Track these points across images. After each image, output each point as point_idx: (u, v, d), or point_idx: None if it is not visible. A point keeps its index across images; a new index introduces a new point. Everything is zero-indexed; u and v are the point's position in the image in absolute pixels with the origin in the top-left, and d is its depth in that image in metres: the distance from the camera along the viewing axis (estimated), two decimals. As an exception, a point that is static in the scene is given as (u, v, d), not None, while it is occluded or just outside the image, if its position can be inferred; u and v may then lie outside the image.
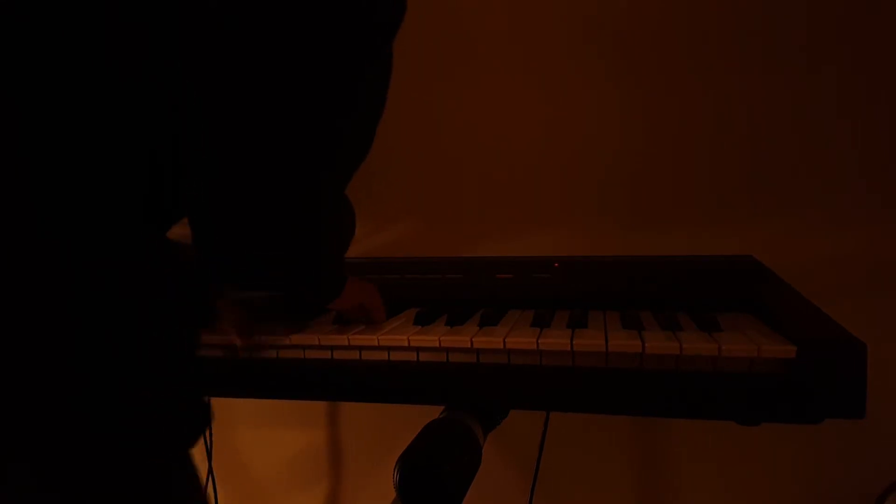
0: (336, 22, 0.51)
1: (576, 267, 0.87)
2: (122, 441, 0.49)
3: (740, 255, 0.85)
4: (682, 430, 1.13)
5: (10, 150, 0.47)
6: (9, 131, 0.47)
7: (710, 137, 1.07)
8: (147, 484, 0.51)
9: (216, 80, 0.51)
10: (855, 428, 0.66)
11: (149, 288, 0.52)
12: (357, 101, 0.57)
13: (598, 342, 0.62)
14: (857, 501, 1.07)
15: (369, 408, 1.23)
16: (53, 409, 0.46)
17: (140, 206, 0.53)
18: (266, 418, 1.38)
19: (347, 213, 0.75)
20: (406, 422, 0.75)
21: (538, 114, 1.14)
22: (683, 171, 1.09)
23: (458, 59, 1.17)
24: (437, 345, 0.67)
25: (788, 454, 1.09)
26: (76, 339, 0.47)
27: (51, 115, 0.48)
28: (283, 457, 1.39)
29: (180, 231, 0.58)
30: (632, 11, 1.08)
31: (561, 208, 1.15)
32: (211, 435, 1.17)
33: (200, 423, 0.56)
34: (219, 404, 0.57)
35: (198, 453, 0.56)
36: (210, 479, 1.19)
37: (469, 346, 0.66)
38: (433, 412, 0.75)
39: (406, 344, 0.68)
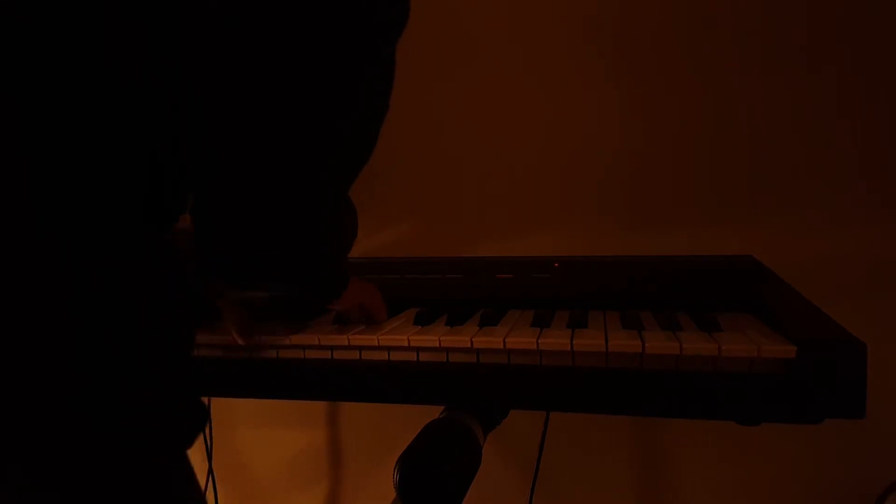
0: (336, 21, 0.51)
1: (576, 267, 0.87)
2: (121, 441, 0.49)
3: (740, 255, 0.85)
4: (682, 430, 1.13)
5: (10, 150, 0.47)
6: (9, 131, 0.47)
7: (710, 137, 1.07)
8: (147, 484, 0.51)
9: (216, 80, 0.51)
10: (855, 428, 0.66)
11: (149, 288, 0.52)
12: (357, 102, 0.57)
13: (598, 342, 0.62)
14: (857, 501, 1.07)
15: (369, 408, 1.23)
16: (53, 409, 0.46)
17: (140, 206, 0.53)
18: (266, 418, 1.38)
19: (349, 213, 0.75)
20: (406, 422, 0.75)
21: (538, 114, 1.14)
22: (683, 171, 1.09)
23: (458, 59, 1.17)
24: (437, 345, 0.67)
25: (788, 454, 1.09)
26: (76, 339, 0.47)
27: (51, 116, 0.48)
28: (283, 457, 1.39)
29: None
30: (632, 11, 1.08)
31: (561, 208, 1.15)
32: (211, 435, 1.17)
33: (199, 423, 0.56)
34: (219, 404, 0.57)
35: (198, 453, 0.56)
36: (210, 479, 1.19)
37: (469, 346, 0.66)
38: (433, 412, 0.75)
39: (406, 344, 0.68)
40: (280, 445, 1.39)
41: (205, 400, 0.58)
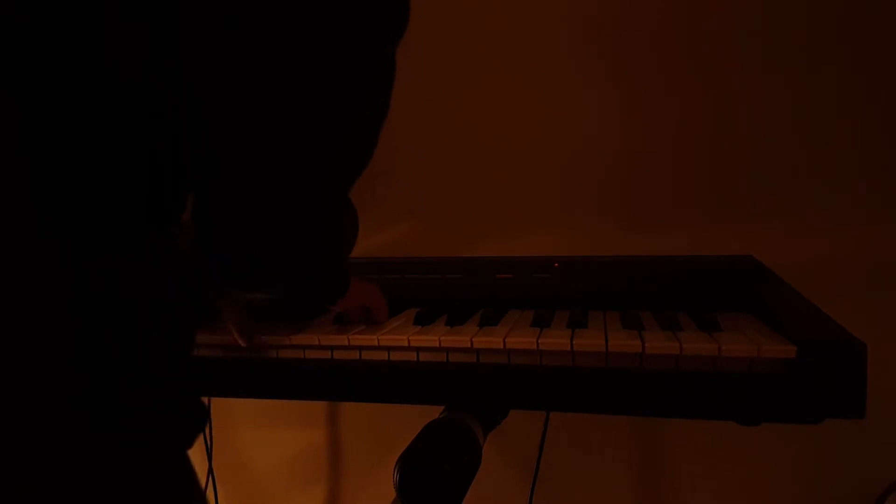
0: (336, 21, 0.51)
1: (576, 267, 0.87)
2: (121, 441, 0.49)
3: (740, 255, 0.85)
4: (682, 430, 1.13)
5: (10, 150, 0.47)
6: (9, 131, 0.47)
7: (710, 137, 1.07)
8: (147, 484, 0.51)
9: (216, 80, 0.51)
10: (855, 428, 0.66)
11: (149, 288, 0.52)
12: (357, 102, 0.57)
13: (598, 342, 0.62)
14: (857, 501, 1.07)
15: (369, 408, 1.23)
16: (53, 409, 0.46)
17: (140, 206, 0.53)
18: (266, 418, 1.38)
19: (349, 214, 0.75)
20: (406, 422, 0.75)
21: (538, 114, 1.14)
22: (683, 171, 1.09)
23: (458, 59, 1.17)
24: (437, 345, 0.67)
25: (788, 454, 1.09)
26: (76, 339, 0.47)
27: (51, 115, 0.48)
28: (283, 457, 1.39)
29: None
30: (632, 11, 1.08)
31: (561, 208, 1.15)
32: (211, 435, 1.17)
33: (199, 423, 0.56)
34: (219, 404, 0.57)
35: (198, 453, 0.56)
36: (210, 479, 1.19)
37: (469, 346, 0.66)
38: (433, 412, 0.75)
39: (406, 344, 0.68)
40: (280, 445, 1.39)
41: (205, 400, 0.57)
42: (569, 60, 1.12)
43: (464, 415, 0.73)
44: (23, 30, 0.47)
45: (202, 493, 0.58)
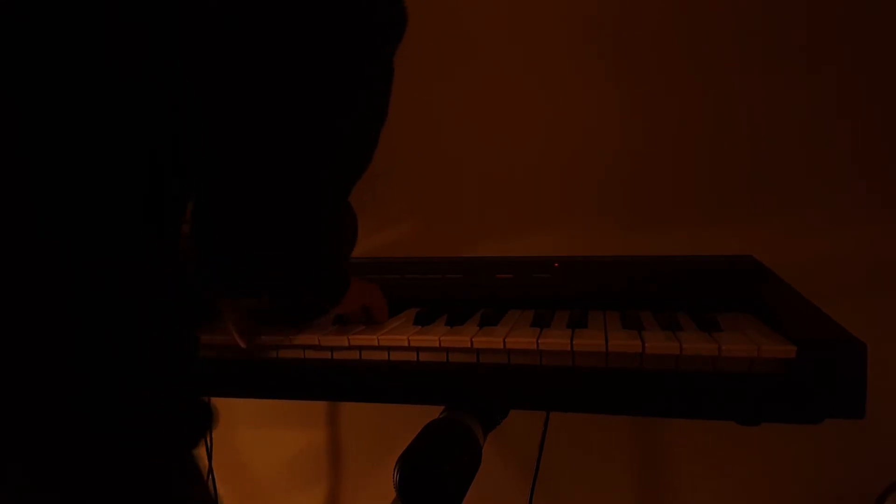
0: (336, 21, 0.51)
1: (576, 267, 0.87)
2: (121, 441, 0.49)
3: (740, 255, 0.85)
4: (682, 430, 1.13)
5: (10, 150, 0.47)
6: (9, 131, 0.47)
7: (710, 137, 1.07)
8: (147, 484, 0.51)
9: (216, 80, 0.51)
10: (855, 428, 0.66)
11: (149, 288, 0.52)
12: (357, 102, 0.57)
13: (598, 342, 0.62)
14: (857, 501, 1.07)
15: (369, 408, 1.24)
16: (53, 409, 0.46)
17: (140, 207, 0.53)
18: (266, 418, 1.38)
19: (349, 216, 0.75)
20: (406, 422, 0.75)
21: (538, 114, 1.14)
22: (683, 171, 1.09)
23: (458, 59, 1.17)
24: (437, 345, 0.67)
25: (788, 454, 1.09)
26: (76, 339, 0.47)
27: (51, 115, 0.48)
28: (283, 457, 1.39)
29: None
30: (632, 11, 1.08)
31: (561, 208, 1.15)
32: (211, 435, 1.17)
33: (202, 424, 0.56)
34: (219, 404, 0.57)
35: (197, 453, 0.56)
36: (210, 479, 1.19)
37: (469, 346, 0.66)
38: (433, 412, 0.75)
39: (406, 344, 0.68)
40: (280, 445, 1.39)
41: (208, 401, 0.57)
42: (569, 60, 1.12)
43: (464, 415, 0.73)
44: (23, 30, 0.47)
45: (207, 495, 0.58)
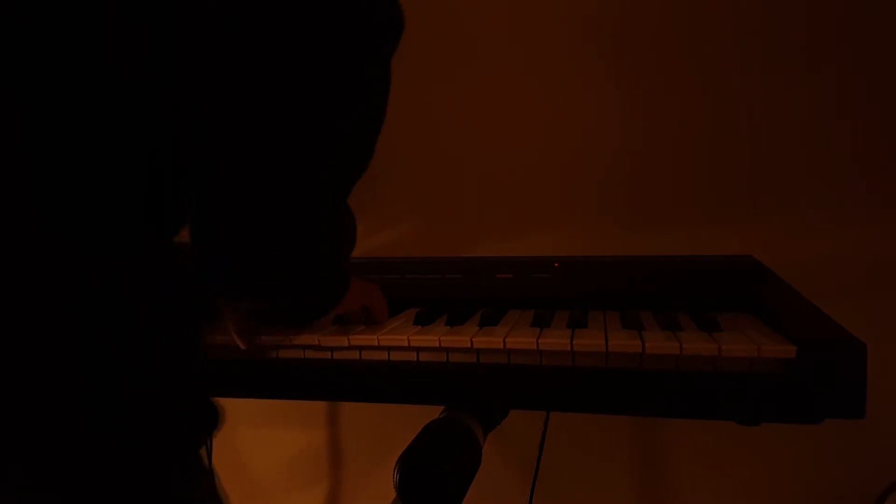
0: (336, 21, 0.51)
1: (576, 267, 0.87)
2: (122, 441, 0.49)
3: (740, 255, 0.85)
4: (682, 430, 1.13)
5: (10, 150, 0.47)
6: (9, 131, 0.47)
7: (710, 137, 1.07)
8: (147, 484, 0.51)
9: (216, 80, 0.51)
10: (855, 428, 0.66)
11: (149, 288, 0.52)
12: (357, 102, 0.57)
13: (598, 342, 0.62)
14: (857, 501, 1.07)
15: (369, 408, 1.23)
16: (53, 409, 0.46)
17: (140, 207, 0.53)
18: (266, 418, 1.38)
19: (348, 217, 0.75)
20: (406, 422, 0.75)
21: (538, 114, 1.14)
22: (683, 171, 1.09)
23: (458, 59, 1.17)
24: (437, 345, 0.67)
25: (788, 454, 1.09)
26: (76, 339, 0.47)
27: (51, 116, 0.48)
28: (283, 457, 1.39)
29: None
30: (632, 11, 1.08)
31: (561, 208, 1.15)
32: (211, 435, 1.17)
33: (204, 423, 0.56)
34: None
35: (201, 453, 0.56)
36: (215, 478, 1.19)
37: (469, 346, 0.66)
38: (433, 412, 0.75)
39: (406, 344, 0.68)
40: (280, 445, 1.39)
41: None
42: (569, 60, 1.12)
43: (464, 415, 0.73)
44: (23, 30, 0.47)
45: (211, 494, 0.58)
